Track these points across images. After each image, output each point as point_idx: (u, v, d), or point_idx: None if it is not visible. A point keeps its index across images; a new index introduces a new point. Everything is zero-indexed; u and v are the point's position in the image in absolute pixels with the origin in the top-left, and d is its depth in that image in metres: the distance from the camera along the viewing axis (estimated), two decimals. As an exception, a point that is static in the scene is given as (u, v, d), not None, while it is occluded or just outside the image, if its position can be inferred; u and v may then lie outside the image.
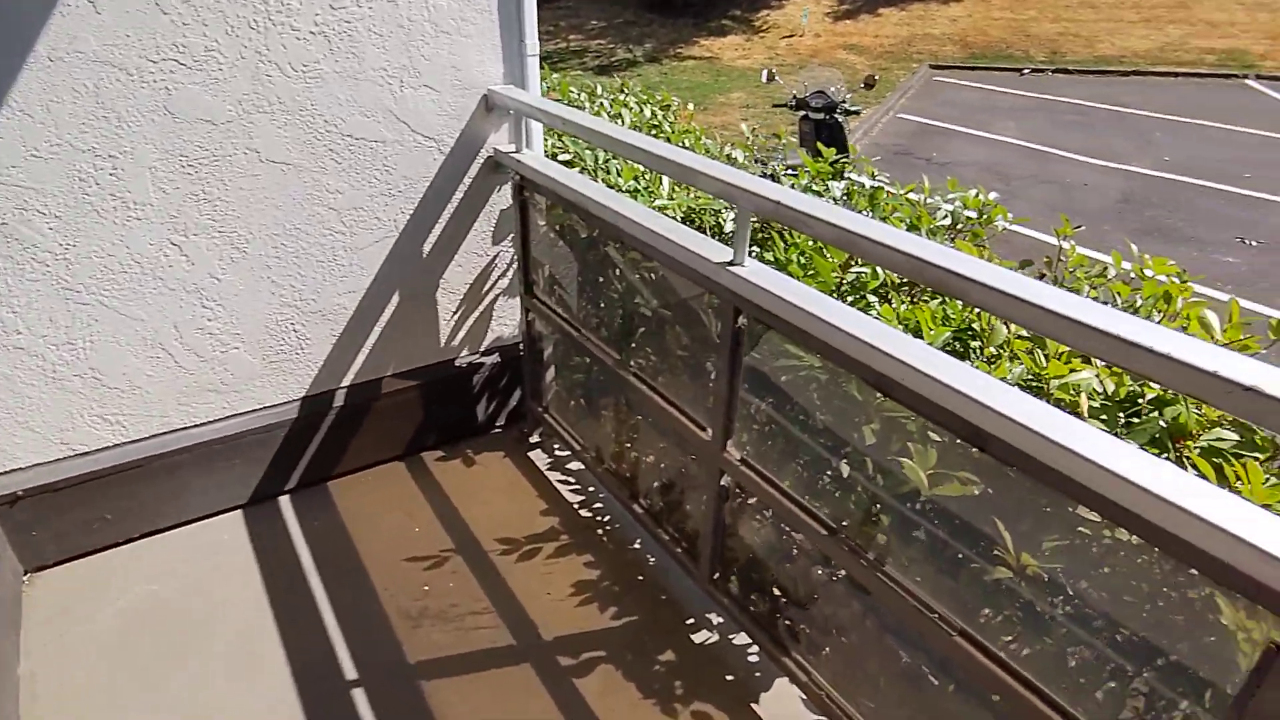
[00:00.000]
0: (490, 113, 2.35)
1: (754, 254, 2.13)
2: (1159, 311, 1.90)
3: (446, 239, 2.47)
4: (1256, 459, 1.38)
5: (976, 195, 2.36)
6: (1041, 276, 2.12)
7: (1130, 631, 1.15)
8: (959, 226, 2.29)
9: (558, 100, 3.15)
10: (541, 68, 2.66)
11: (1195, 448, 1.46)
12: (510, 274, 2.67)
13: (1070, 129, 9.89)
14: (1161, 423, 1.50)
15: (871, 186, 2.45)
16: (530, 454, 2.77)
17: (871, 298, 1.92)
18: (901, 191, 2.51)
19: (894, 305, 1.80)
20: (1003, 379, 1.56)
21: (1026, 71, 13.14)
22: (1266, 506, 1.29)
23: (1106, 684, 1.13)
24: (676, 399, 1.93)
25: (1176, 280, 1.92)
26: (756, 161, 3.49)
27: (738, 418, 1.72)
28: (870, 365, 1.23)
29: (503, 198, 2.52)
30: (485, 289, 2.65)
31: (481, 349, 2.74)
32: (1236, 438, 1.42)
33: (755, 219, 1.82)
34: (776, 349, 1.63)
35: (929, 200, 2.45)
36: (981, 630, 1.28)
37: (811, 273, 2.00)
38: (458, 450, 2.77)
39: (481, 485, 2.62)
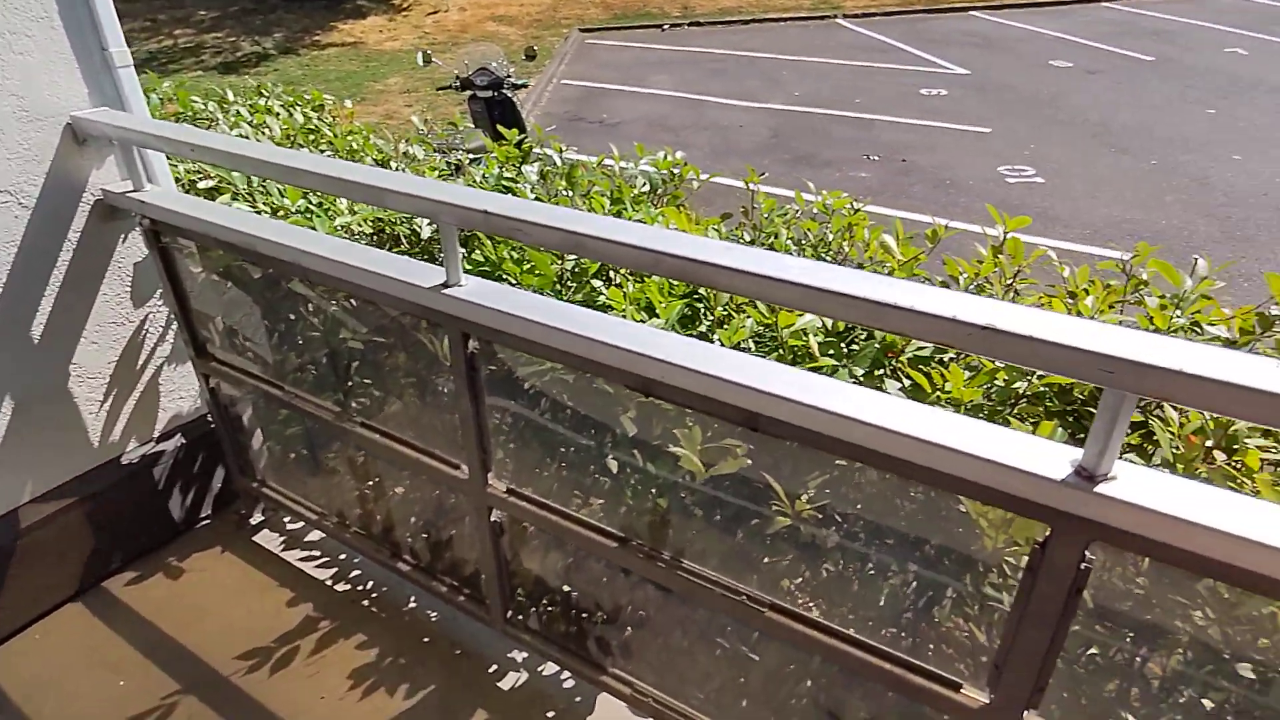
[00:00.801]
0: (85, 145, 1.85)
1: (463, 256, 1.96)
2: (846, 241, 2.09)
3: (63, 314, 1.92)
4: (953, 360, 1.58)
5: (666, 157, 2.40)
6: (741, 227, 2.23)
7: (914, 550, 1.23)
8: (658, 191, 2.32)
9: (179, 116, 2.61)
10: (144, 74, 2.16)
11: (905, 359, 1.63)
12: (171, 338, 2.18)
13: (715, 76, 10.89)
14: (875, 345, 1.65)
15: (566, 163, 2.39)
16: (255, 538, 2.34)
17: (596, 283, 1.86)
18: (595, 163, 2.48)
19: (621, 287, 1.75)
20: (740, 342, 1.60)
21: (667, 27, 14.18)
22: (972, 404, 1.47)
23: (906, 611, 1.21)
24: (420, 440, 1.71)
25: (852, 210, 2.13)
26: (437, 152, 3.26)
27: (493, 447, 1.56)
28: (628, 369, 1.15)
29: (132, 249, 2.02)
30: (141, 363, 2.13)
31: (156, 435, 2.22)
32: (932, 345, 1.61)
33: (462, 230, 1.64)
34: (517, 356, 1.49)
35: (623, 168, 2.45)
36: (790, 599, 1.30)
37: (529, 267, 1.88)
38: (156, 563, 2.24)
39: (200, 595, 2.15)
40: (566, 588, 1.69)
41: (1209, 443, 1.36)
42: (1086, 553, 0.90)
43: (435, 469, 1.66)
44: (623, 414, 1.49)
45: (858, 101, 9.48)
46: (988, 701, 1.10)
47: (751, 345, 1.69)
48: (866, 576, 1.35)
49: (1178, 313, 1.78)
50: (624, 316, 1.62)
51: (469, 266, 1.95)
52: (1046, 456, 0.87)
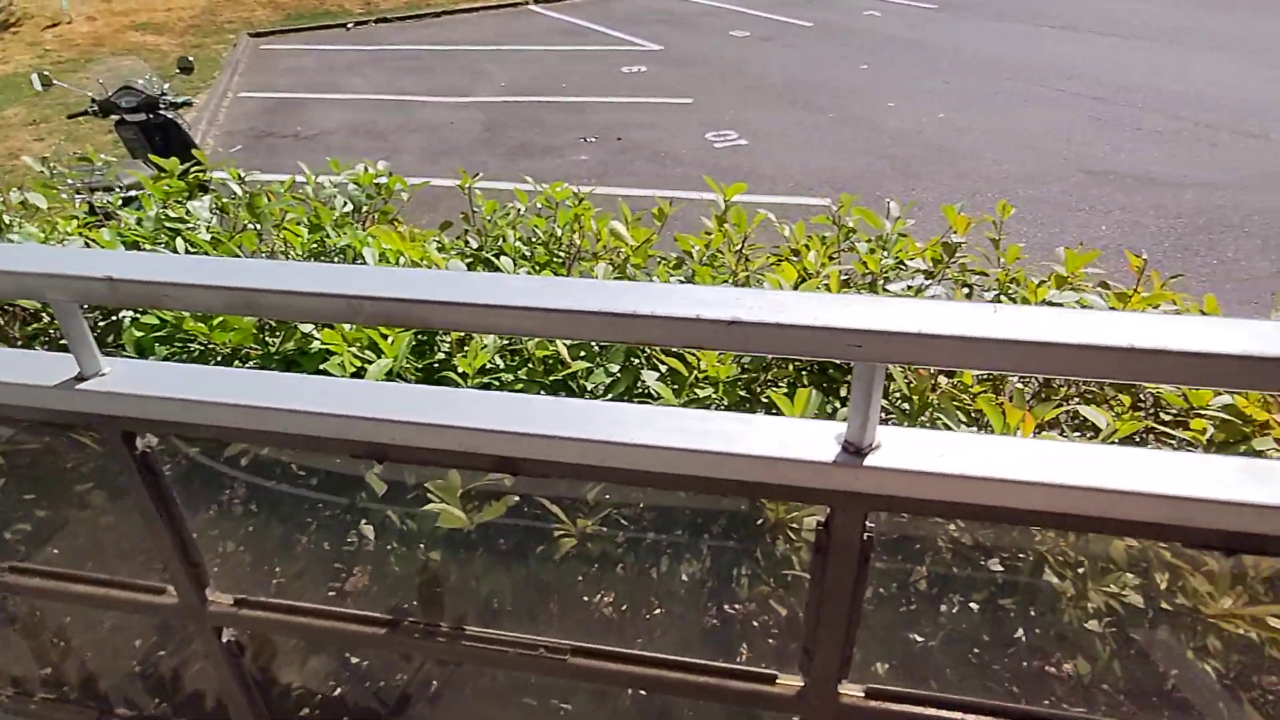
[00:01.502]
0: None
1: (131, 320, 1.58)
2: (576, 233, 2.02)
3: None
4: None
5: (367, 170, 2.16)
6: (464, 235, 2.07)
7: (708, 549, 1.19)
8: (364, 210, 2.08)
9: None
10: None
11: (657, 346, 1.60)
12: None
13: (416, 74, 10.41)
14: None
15: (247, 193, 2.04)
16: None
17: (306, 326, 1.60)
18: (284, 189, 2.16)
19: (336, 328, 1.52)
20: (485, 365, 1.46)
21: (351, 26, 13.28)
22: (730, 379, 1.46)
23: (712, 618, 1.16)
24: (105, 570, 1.35)
25: (577, 200, 2.06)
26: (76, 196, 2.67)
27: (199, 553, 1.27)
28: (347, 438, 0.95)
29: None
30: None
31: None
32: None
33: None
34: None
35: (321, 189, 2.16)
36: (592, 632, 1.19)
37: (219, 321, 1.57)
38: None
39: None
40: (340, 691, 1.44)
41: (934, 368, 1.48)
42: (867, 523, 0.89)
43: (135, 601, 1.32)
44: (367, 470, 1.29)
45: (565, 86, 9.61)
46: (803, 685, 1.08)
47: (500, 362, 1.55)
48: (665, 589, 1.30)
49: (884, 254, 1.95)
50: (342, 364, 1.39)
51: (140, 332, 1.58)
52: (814, 439, 0.85)
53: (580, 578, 1.37)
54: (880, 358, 0.75)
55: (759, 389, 1.57)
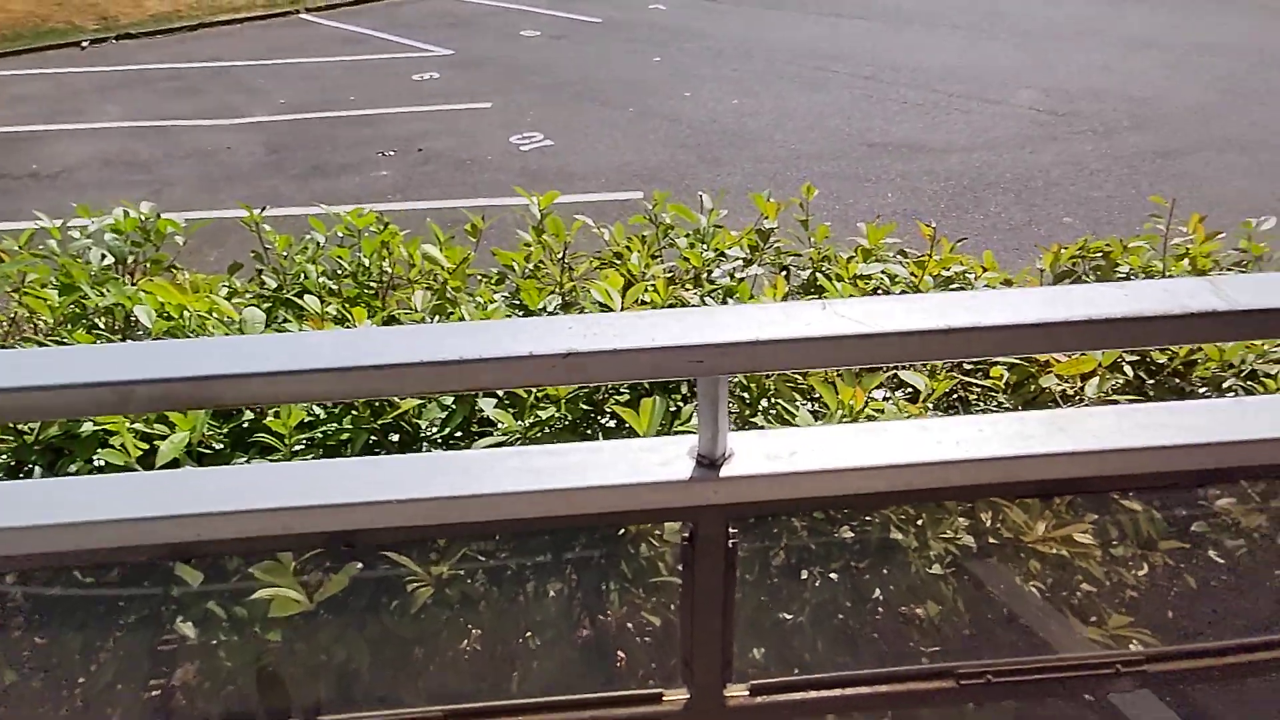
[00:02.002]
0: None
1: None
2: (385, 261, 1.89)
3: None
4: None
5: (128, 214, 1.90)
6: (256, 278, 1.88)
7: (578, 579, 1.15)
8: (130, 261, 1.82)
9: None
10: None
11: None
12: None
13: (178, 96, 9.41)
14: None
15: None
16: None
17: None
18: (20, 244, 1.85)
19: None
20: (303, 420, 1.32)
21: (87, 45, 11.76)
22: (569, 397, 1.43)
23: (590, 648, 1.12)
24: None
25: (382, 226, 1.93)
26: None
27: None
28: (134, 544, 0.81)
29: None
30: None
31: None
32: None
33: None
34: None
35: (70, 240, 1.87)
36: (465, 691, 1.12)
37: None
38: None
39: None
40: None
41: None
42: (730, 530, 0.89)
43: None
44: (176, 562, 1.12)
45: (353, 99, 9.10)
46: (689, 696, 1.08)
47: (320, 411, 1.42)
48: (536, 620, 1.24)
49: (704, 247, 1.99)
50: (124, 446, 1.20)
51: None
52: (669, 458, 0.83)
53: (443, 627, 1.29)
54: (723, 370, 0.75)
55: (601, 399, 1.55)
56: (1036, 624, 1.32)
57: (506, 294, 1.92)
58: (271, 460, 1.27)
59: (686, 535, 0.91)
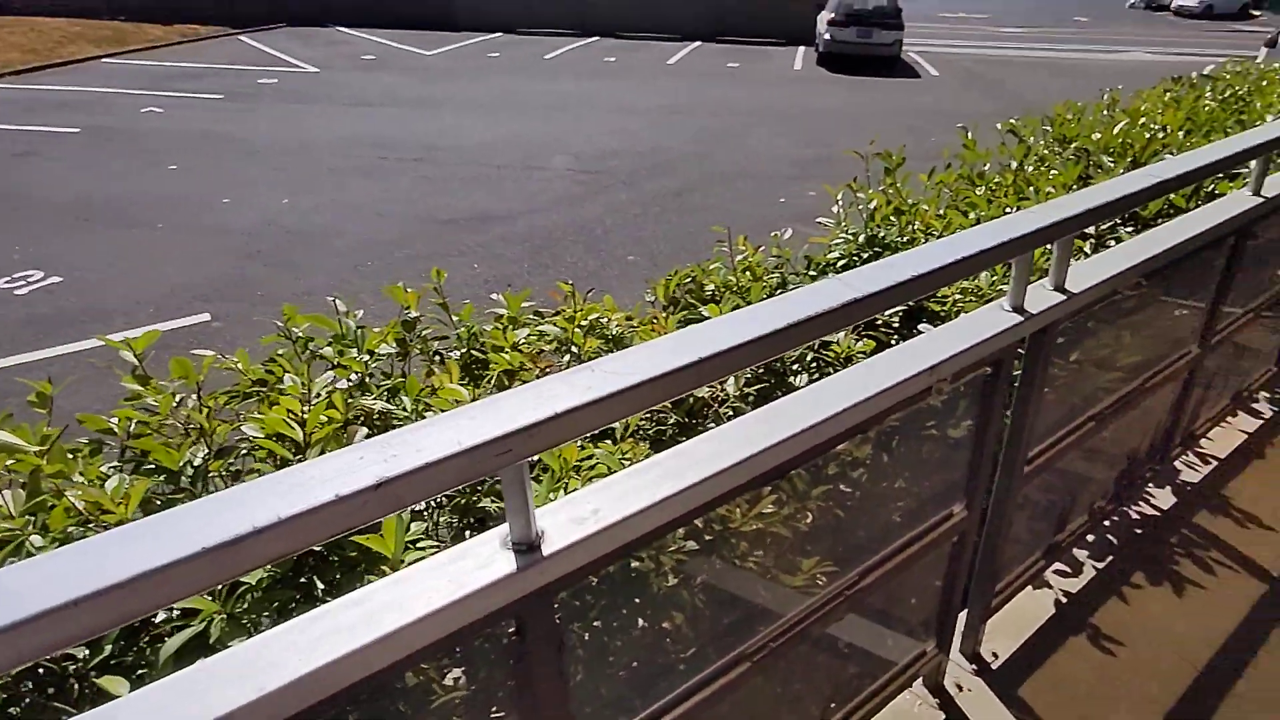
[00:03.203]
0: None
1: None
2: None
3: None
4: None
5: None
6: None
7: None
8: None
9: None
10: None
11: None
12: None
13: None
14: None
15: None
16: None
17: None
18: None
19: None
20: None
21: None
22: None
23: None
24: None
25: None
26: None
27: None
28: None
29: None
30: None
31: None
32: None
33: None
34: None
35: None
36: None
37: None
38: None
39: None
40: None
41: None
42: (555, 606, 0.89)
43: None
44: None
45: None
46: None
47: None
48: None
49: (356, 351, 1.90)
50: None
51: None
52: (486, 559, 0.81)
53: None
54: (530, 453, 0.76)
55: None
56: (756, 594, 1.53)
57: (116, 464, 1.57)
58: None
59: (513, 630, 0.89)
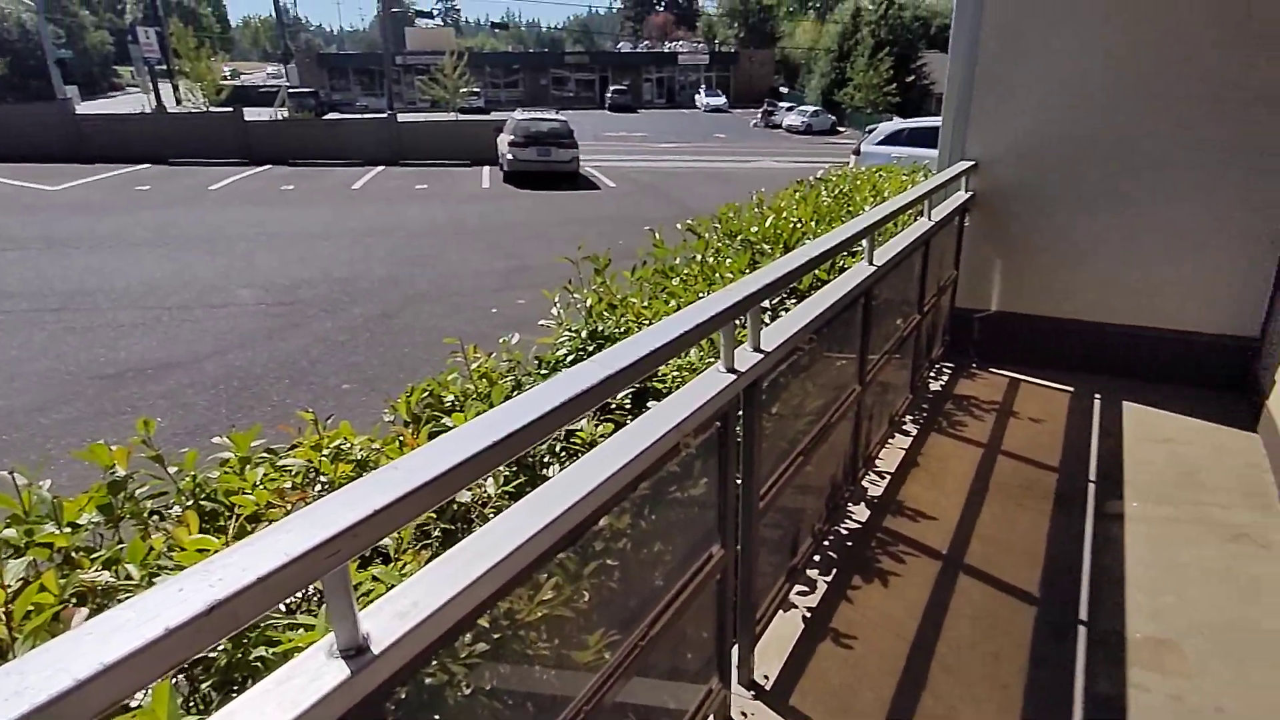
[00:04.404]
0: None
1: None
2: None
3: None
4: None
5: None
6: None
7: None
8: None
9: None
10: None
11: None
12: None
13: None
14: None
15: None
16: None
17: None
18: None
19: None
20: None
21: None
22: None
23: None
24: None
25: None
26: None
27: None
28: None
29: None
30: None
31: None
32: None
33: None
34: None
35: None
36: None
37: None
38: None
39: None
40: None
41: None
42: (392, 707, 0.91)
43: None
44: None
45: None
46: None
47: None
48: None
49: (59, 528, 1.66)
50: None
51: None
52: (315, 672, 0.81)
53: None
54: (354, 551, 0.80)
55: None
56: (562, 676, 1.59)
57: None
58: None
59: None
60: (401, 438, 2.16)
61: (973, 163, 4.09)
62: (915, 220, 3.52)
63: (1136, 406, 3.72)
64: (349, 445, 2.19)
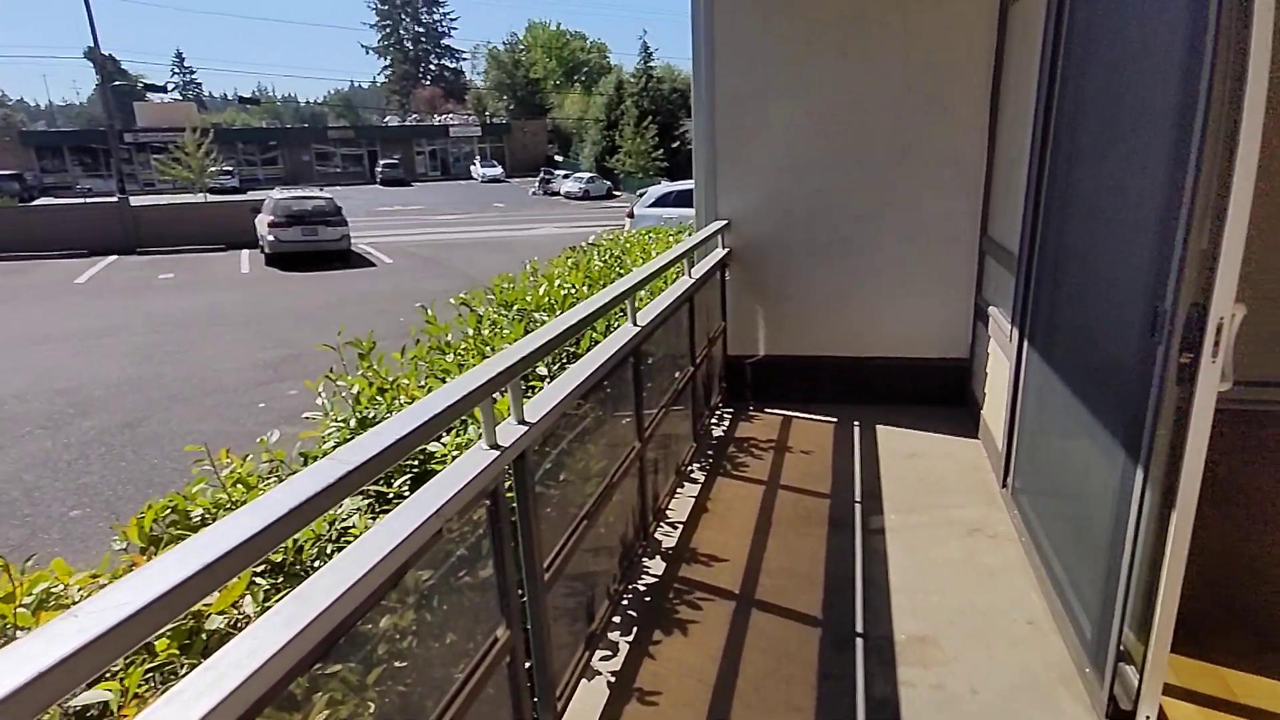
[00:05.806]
0: None
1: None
2: None
3: None
4: None
5: None
6: None
7: None
8: None
9: None
10: None
11: None
12: None
13: None
14: None
15: None
16: None
17: None
18: None
19: None
20: None
21: None
22: None
23: None
24: None
25: None
26: None
27: None
28: None
29: None
30: None
31: None
32: None
33: None
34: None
35: None
36: None
37: None
38: None
39: None
40: None
41: None
42: None
43: None
44: None
45: None
46: None
47: None
48: None
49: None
50: None
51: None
52: None
53: None
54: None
55: None
56: None
57: None
58: None
59: None
60: (135, 565, 1.93)
61: (725, 221, 4.50)
62: (679, 278, 3.79)
63: (887, 428, 4.21)
64: (63, 588, 1.92)
